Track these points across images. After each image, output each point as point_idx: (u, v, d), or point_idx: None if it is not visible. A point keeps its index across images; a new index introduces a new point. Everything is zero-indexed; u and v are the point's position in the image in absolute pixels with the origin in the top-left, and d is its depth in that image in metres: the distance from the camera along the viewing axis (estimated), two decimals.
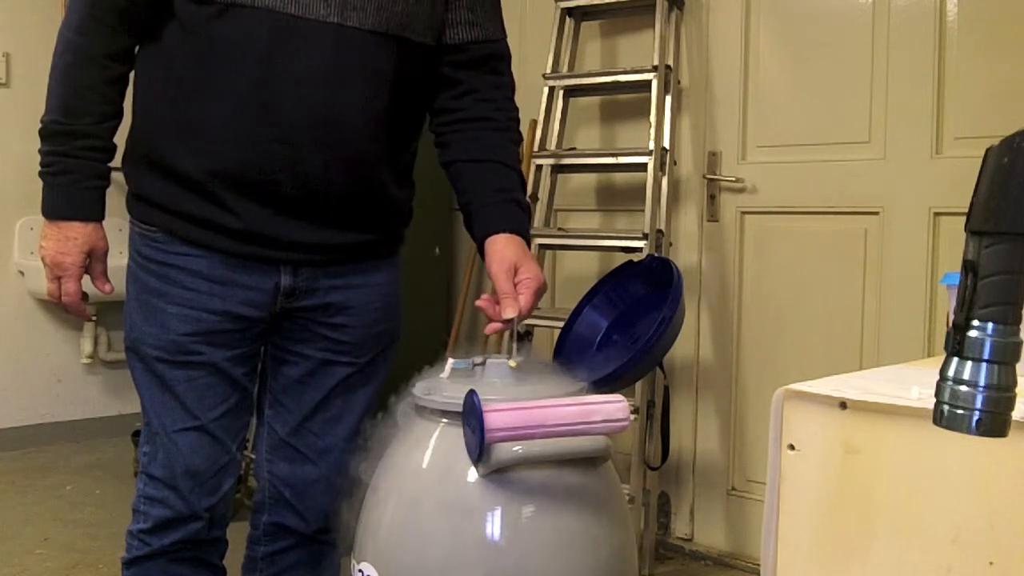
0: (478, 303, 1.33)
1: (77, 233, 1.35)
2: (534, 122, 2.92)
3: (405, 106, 1.41)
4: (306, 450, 1.50)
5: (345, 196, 1.37)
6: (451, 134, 1.47)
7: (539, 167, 2.89)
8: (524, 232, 1.38)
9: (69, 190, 1.35)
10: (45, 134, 1.35)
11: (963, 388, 0.68)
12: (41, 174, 1.36)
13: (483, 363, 1.29)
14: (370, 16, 1.31)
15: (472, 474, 1.15)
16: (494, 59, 1.48)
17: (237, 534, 1.55)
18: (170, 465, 1.39)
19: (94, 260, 1.39)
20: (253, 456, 1.60)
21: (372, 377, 1.51)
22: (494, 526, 1.15)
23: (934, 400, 0.71)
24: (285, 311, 1.42)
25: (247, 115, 1.30)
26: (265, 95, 1.30)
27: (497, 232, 1.36)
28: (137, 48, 1.39)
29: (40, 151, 1.35)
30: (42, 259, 1.38)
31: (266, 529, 1.54)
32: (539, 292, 1.33)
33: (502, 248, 1.34)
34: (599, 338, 1.53)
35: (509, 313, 1.29)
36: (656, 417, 2.60)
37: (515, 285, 1.32)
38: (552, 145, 2.87)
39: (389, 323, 1.51)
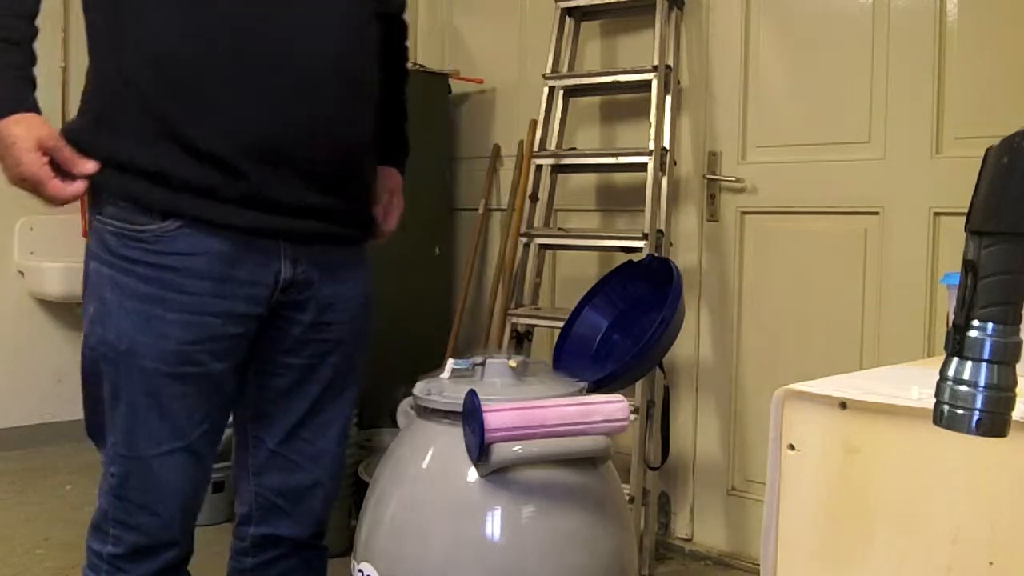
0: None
1: (19, 129, 1.20)
2: (534, 122, 2.92)
3: (372, 54, 1.42)
4: (298, 457, 1.45)
5: (348, 154, 1.36)
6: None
7: (539, 167, 2.89)
8: (402, 168, 1.63)
9: (25, 69, 1.22)
10: None
11: (963, 388, 0.68)
12: None
13: (483, 363, 1.29)
14: None
15: (472, 474, 1.15)
16: None
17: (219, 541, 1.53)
18: (150, 489, 1.30)
19: (53, 151, 1.22)
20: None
21: (356, 378, 1.50)
22: (494, 526, 1.15)
23: (934, 400, 0.71)
24: (275, 314, 1.36)
25: (276, 78, 1.25)
26: (288, 53, 1.26)
27: (385, 164, 1.57)
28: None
29: None
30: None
31: (255, 541, 1.48)
32: (399, 214, 1.58)
33: (383, 178, 1.56)
34: (599, 338, 1.53)
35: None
36: (656, 417, 2.60)
37: (384, 207, 1.54)
38: (552, 145, 2.87)
39: (366, 323, 1.50)
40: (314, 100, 1.28)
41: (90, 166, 1.24)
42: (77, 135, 1.27)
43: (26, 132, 1.19)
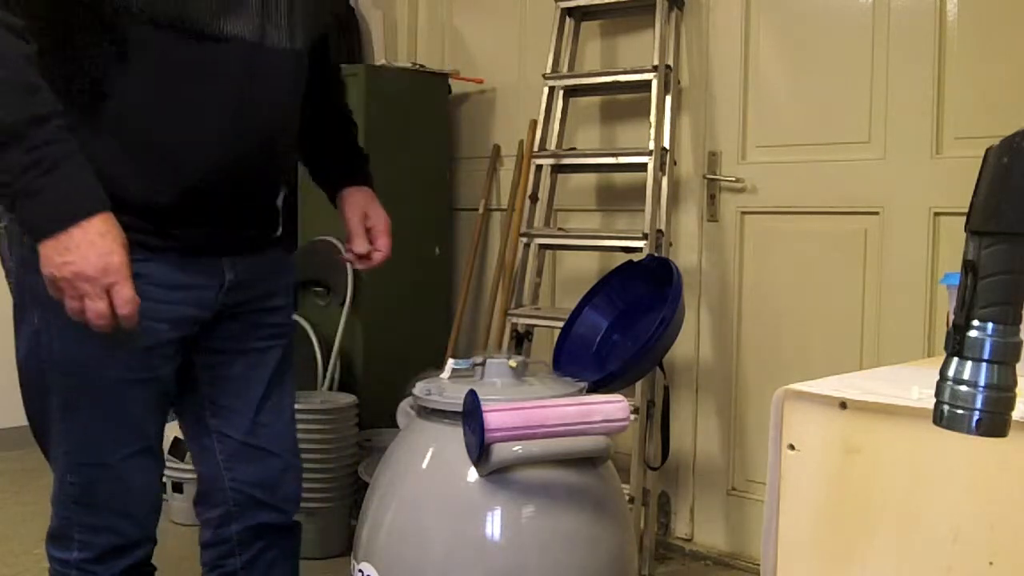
0: (344, 257, 1.57)
1: (107, 225, 1.14)
2: (534, 122, 2.92)
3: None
4: (266, 444, 1.48)
5: (271, 183, 1.45)
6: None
7: (539, 167, 2.89)
8: (371, 183, 1.60)
9: (75, 182, 1.13)
10: (6, 136, 1.09)
11: (963, 388, 0.68)
12: (24, 185, 1.10)
13: (483, 363, 1.29)
14: (299, 36, 1.35)
15: (472, 474, 1.15)
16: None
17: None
18: (121, 493, 1.31)
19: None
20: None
21: (291, 359, 1.56)
22: (494, 526, 1.15)
23: (934, 400, 0.71)
24: (227, 309, 1.40)
25: (221, 135, 1.28)
26: (241, 115, 1.29)
27: (349, 185, 1.57)
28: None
29: (2, 166, 1.10)
30: (61, 281, 1.12)
31: (240, 538, 1.49)
32: (388, 229, 1.55)
33: (353, 197, 1.56)
34: (599, 338, 1.53)
35: (359, 248, 1.52)
36: (656, 417, 2.60)
37: (368, 229, 1.54)
38: (552, 145, 2.87)
39: (294, 308, 1.58)
40: (262, 156, 1.35)
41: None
42: None
43: (117, 228, 1.16)
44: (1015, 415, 0.69)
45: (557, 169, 2.90)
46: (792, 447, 0.98)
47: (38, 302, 1.25)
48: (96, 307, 1.14)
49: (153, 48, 1.21)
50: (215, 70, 1.25)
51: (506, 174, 3.26)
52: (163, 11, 1.19)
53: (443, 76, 3.32)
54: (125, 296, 1.15)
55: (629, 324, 1.50)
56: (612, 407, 1.15)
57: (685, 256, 2.79)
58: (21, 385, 1.31)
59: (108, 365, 1.26)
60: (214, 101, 1.26)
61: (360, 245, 1.53)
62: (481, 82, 3.33)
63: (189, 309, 1.34)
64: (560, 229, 2.93)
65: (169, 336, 1.32)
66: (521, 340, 2.80)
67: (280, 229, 1.49)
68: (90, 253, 1.12)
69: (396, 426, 1.34)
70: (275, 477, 1.49)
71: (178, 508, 2.93)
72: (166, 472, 2.83)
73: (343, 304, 3.01)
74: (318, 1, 1.39)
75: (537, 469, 1.16)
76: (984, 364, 0.68)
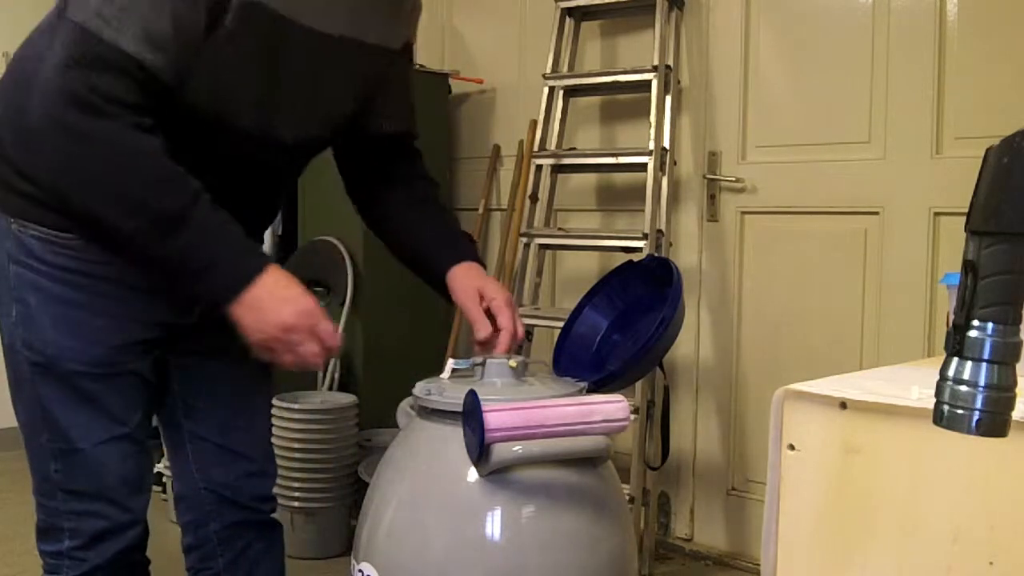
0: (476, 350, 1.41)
1: (279, 274, 1.21)
2: (534, 122, 2.92)
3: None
4: (238, 447, 1.47)
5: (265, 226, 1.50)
6: (385, 221, 1.54)
7: (539, 167, 2.89)
8: (479, 260, 1.47)
9: (239, 246, 1.20)
10: (166, 228, 1.15)
11: (963, 388, 0.68)
12: (199, 263, 1.17)
13: (483, 363, 1.29)
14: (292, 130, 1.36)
15: (472, 474, 1.15)
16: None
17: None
18: (97, 478, 1.31)
19: None
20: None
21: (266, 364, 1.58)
22: (494, 526, 1.15)
23: (934, 400, 0.71)
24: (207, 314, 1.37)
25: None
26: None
27: (455, 264, 1.43)
28: None
29: (174, 249, 1.16)
30: (271, 341, 1.19)
31: (220, 537, 1.49)
32: (511, 305, 1.38)
33: (463, 277, 1.41)
34: (599, 338, 1.53)
35: (481, 334, 1.35)
36: (656, 417, 2.60)
37: (488, 308, 1.38)
38: (552, 145, 2.87)
39: None
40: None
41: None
42: (8, 159, 1.26)
43: (288, 276, 1.22)
44: (1015, 415, 0.69)
45: (557, 169, 2.90)
46: (792, 447, 0.98)
47: (15, 294, 1.28)
48: (311, 350, 1.21)
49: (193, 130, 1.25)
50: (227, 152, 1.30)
51: (506, 174, 3.26)
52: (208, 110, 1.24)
53: (443, 76, 3.32)
54: (329, 330, 1.22)
55: (629, 324, 1.50)
56: (612, 407, 1.15)
57: (685, 256, 2.79)
58: (9, 376, 1.33)
59: (75, 360, 1.27)
60: (223, 164, 1.29)
61: (482, 330, 1.36)
62: (481, 82, 3.33)
63: (164, 313, 1.33)
64: (560, 229, 2.94)
65: (146, 335, 1.32)
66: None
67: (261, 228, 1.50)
68: (282, 306, 1.19)
69: (396, 426, 1.34)
70: (244, 480, 1.48)
71: (172, 507, 2.93)
72: (166, 472, 2.83)
73: (343, 304, 3.01)
74: (332, 102, 1.39)
75: (537, 469, 1.16)
76: (984, 364, 0.68)
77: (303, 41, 1.25)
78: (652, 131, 2.62)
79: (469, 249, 1.48)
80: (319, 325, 1.21)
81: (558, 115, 2.88)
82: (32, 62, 1.19)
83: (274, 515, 1.55)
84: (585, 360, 1.49)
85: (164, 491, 2.93)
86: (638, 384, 2.51)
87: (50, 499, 1.35)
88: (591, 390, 1.30)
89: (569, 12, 2.89)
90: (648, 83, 2.65)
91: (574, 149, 2.95)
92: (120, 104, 1.13)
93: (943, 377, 0.70)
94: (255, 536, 1.51)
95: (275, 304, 1.18)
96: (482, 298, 1.38)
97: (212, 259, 1.17)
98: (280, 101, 1.29)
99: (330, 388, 3.02)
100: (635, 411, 2.50)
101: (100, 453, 1.31)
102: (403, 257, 1.53)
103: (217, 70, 1.20)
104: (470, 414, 1.12)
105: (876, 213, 2.45)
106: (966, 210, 0.69)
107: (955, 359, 0.69)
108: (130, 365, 1.32)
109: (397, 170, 1.53)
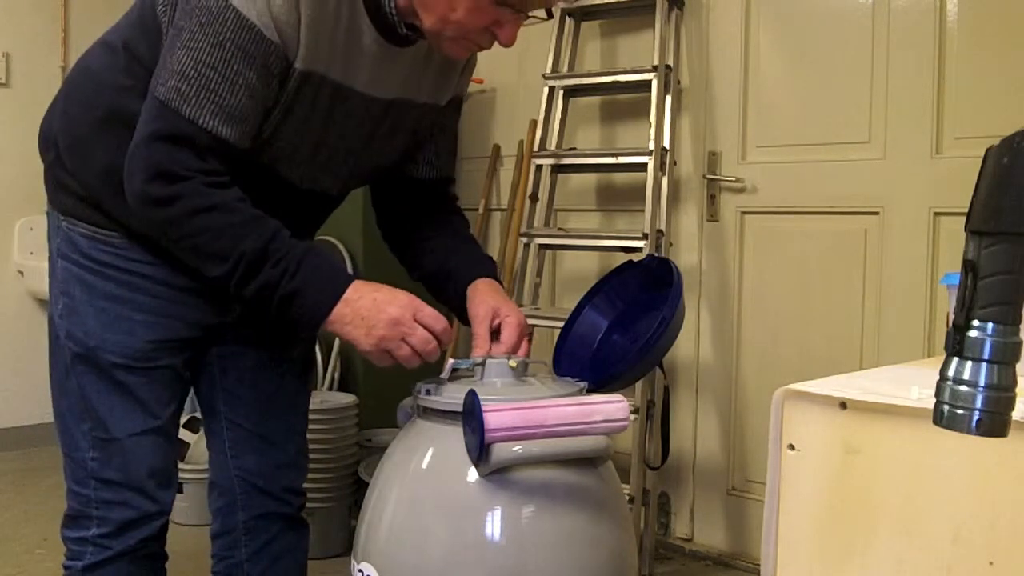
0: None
1: (361, 284, 1.25)
2: (534, 122, 2.92)
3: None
4: (274, 436, 1.52)
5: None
6: (410, 248, 1.54)
7: (539, 167, 2.89)
8: (500, 281, 1.46)
9: (321, 270, 1.25)
10: (250, 269, 1.21)
11: (963, 388, 0.68)
12: (284, 292, 1.22)
13: (483, 363, 1.29)
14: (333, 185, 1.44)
15: (472, 474, 1.15)
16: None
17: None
18: (128, 468, 1.36)
19: None
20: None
21: (313, 358, 1.62)
22: (494, 526, 1.15)
23: (934, 400, 0.71)
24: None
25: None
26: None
27: (478, 278, 1.42)
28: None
29: (262, 285, 1.22)
30: (384, 342, 1.22)
31: (247, 527, 1.53)
32: (522, 327, 1.36)
33: (484, 292, 1.40)
34: (599, 338, 1.53)
35: (479, 349, 1.34)
36: (656, 417, 2.60)
37: (495, 330, 1.36)
38: (552, 145, 2.87)
39: None
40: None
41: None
42: (62, 162, 1.37)
43: (369, 284, 1.26)
44: (1015, 415, 0.69)
45: (557, 169, 2.90)
46: (792, 447, 0.98)
47: (62, 288, 1.37)
48: (420, 336, 1.23)
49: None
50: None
51: (506, 174, 3.26)
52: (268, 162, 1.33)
53: None
54: (433, 312, 1.25)
55: (629, 324, 1.50)
56: (612, 407, 1.15)
57: (685, 256, 2.79)
58: (51, 364, 1.41)
59: (114, 352, 1.34)
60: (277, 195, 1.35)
61: (480, 348, 1.33)
62: (481, 82, 3.33)
63: (206, 313, 1.40)
64: (560, 229, 2.94)
65: (185, 334, 1.39)
66: None
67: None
68: (381, 306, 1.22)
69: (396, 426, 1.34)
70: (276, 470, 1.52)
71: (179, 508, 2.92)
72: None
73: None
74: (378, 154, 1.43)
75: (537, 469, 1.16)
76: (984, 364, 0.68)
77: (358, 105, 1.32)
78: (652, 131, 2.62)
79: (493, 270, 1.47)
80: (422, 310, 1.24)
81: (558, 115, 2.88)
82: (95, 83, 1.34)
83: (303, 513, 1.58)
84: (585, 360, 1.49)
85: (180, 491, 2.94)
86: (638, 384, 2.51)
87: (83, 487, 1.39)
88: (591, 390, 1.30)
89: (569, 12, 2.89)
90: (648, 83, 2.65)
91: (574, 149, 2.95)
92: (199, 171, 1.21)
93: (943, 377, 0.70)
94: (280, 530, 1.55)
95: (372, 307, 1.22)
96: (495, 317, 1.37)
97: (297, 287, 1.22)
98: (330, 161, 1.37)
99: (330, 388, 3.02)
100: (635, 411, 2.50)
101: (134, 444, 1.37)
102: (423, 274, 1.50)
103: (276, 132, 1.29)
104: (470, 414, 1.12)
105: (876, 213, 2.45)
106: (966, 210, 0.69)
107: (955, 359, 0.69)
108: (166, 360, 1.38)
109: (431, 209, 1.54)
